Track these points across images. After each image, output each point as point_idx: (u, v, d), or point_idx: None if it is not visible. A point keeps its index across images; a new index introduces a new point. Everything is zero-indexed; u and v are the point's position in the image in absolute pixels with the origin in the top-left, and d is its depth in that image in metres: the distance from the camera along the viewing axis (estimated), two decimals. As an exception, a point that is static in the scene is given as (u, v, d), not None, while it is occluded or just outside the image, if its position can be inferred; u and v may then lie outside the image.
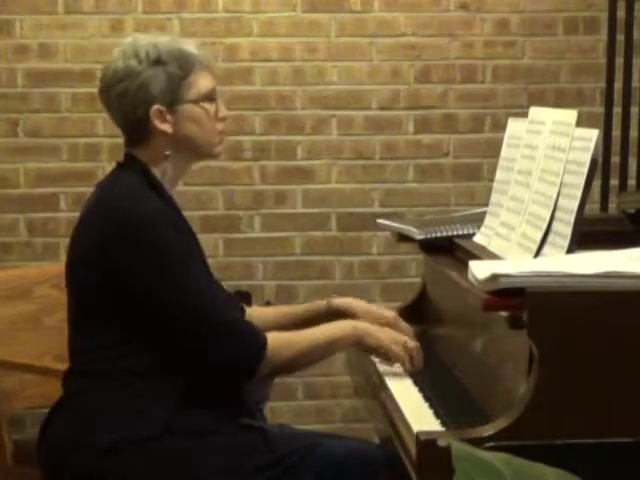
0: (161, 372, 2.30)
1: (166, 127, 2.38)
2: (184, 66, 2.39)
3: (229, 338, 2.31)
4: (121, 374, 2.30)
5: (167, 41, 2.42)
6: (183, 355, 2.31)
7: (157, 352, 2.30)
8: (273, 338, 2.36)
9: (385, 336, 2.50)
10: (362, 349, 2.55)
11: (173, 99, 2.38)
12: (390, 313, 2.67)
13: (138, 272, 2.29)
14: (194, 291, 2.31)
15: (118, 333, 2.31)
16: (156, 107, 2.37)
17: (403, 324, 2.63)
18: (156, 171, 2.41)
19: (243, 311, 2.61)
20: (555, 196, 2.31)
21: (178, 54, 2.39)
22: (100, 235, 2.32)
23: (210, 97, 2.42)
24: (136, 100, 2.37)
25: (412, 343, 2.52)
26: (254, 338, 2.34)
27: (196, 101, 2.40)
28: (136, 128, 2.39)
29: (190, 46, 2.43)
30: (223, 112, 2.46)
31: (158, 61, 2.37)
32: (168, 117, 2.38)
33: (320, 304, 2.69)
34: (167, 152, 2.40)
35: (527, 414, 1.99)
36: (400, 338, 2.51)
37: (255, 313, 2.68)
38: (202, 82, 2.41)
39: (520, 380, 2.08)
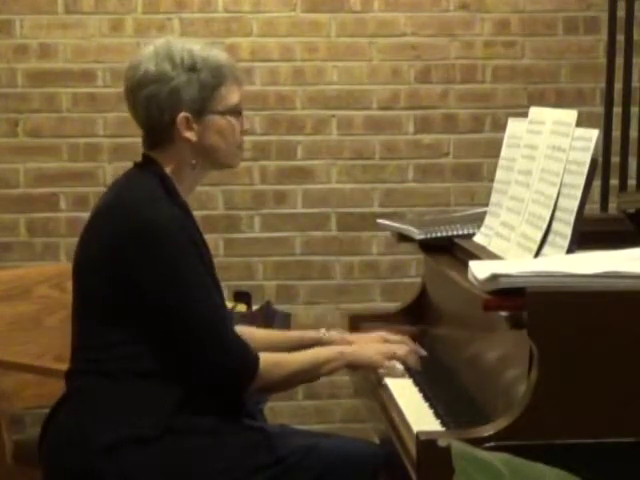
0: (163, 373, 2.30)
1: (190, 135, 2.37)
2: (217, 76, 2.38)
3: (224, 352, 2.32)
4: (123, 374, 2.30)
5: (201, 48, 2.40)
6: (185, 359, 2.31)
7: (160, 354, 2.30)
8: (265, 358, 2.38)
9: (373, 354, 2.54)
10: (353, 370, 2.63)
11: (202, 108, 2.37)
12: (379, 334, 2.70)
13: (147, 276, 2.28)
14: (199, 300, 2.31)
15: (123, 334, 2.31)
16: (183, 114, 2.36)
17: (394, 338, 2.67)
18: (173, 176, 2.40)
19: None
20: (555, 196, 2.31)
21: (212, 63, 2.38)
22: (112, 237, 2.31)
23: (237, 111, 2.43)
24: (165, 104, 2.35)
25: (401, 350, 2.54)
26: (247, 356, 2.35)
27: (223, 113, 2.40)
28: (159, 131, 2.38)
29: (223, 57, 2.42)
30: (246, 124, 2.47)
31: (193, 68, 2.36)
32: (194, 125, 2.37)
33: (311, 335, 2.71)
34: (192, 162, 2.39)
35: (527, 414, 1.99)
36: (388, 351, 2.54)
37: (245, 333, 2.68)
38: (232, 95, 2.41)
39: (520, 380, 2.08)
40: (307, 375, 2.49)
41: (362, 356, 2.54)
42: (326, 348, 2.56)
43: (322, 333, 2.69)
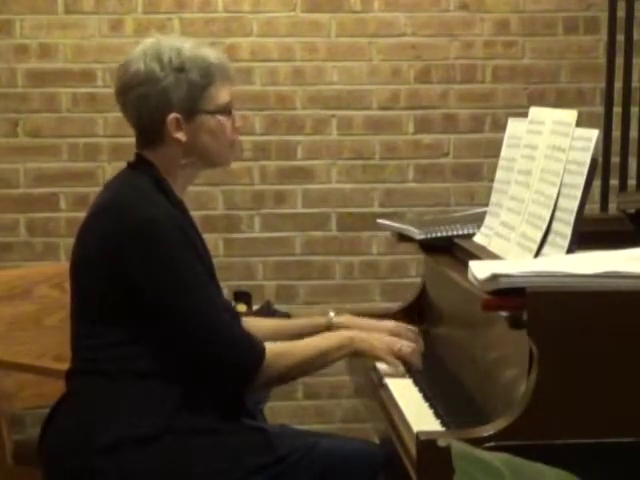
0: (162, 373, 2.30)
1: (180, 135, 2.36)
2: (206, 76, 2.36)
3: (229, 347, 2.32)
4: (122, 374, 2.30)
5: (191, 47, 2.38)
6: (184, 358, 2.31)
7: (159, 354, 2.30)
8: (271, 349, 2.37)
9: (380, 345, 2.52)
10: (359, 357, 2.60)
11: (191, 108, 2.36)
12: (390, 323, 2.69)
13: (145, 275, 2.28)
14: (198, 297, 2.31)
15: (122, 334, 2.31)
16: (173, 115, 2.35)
17: (404, 330, 2.65)
18: (166, 175, 2.39)
19: (239, 320, 2.59)
20: (555, 196, 2.31)
21: (201, 63, 2.36)
22: (108, 236, 2.31)
23: (227, 110, 2.41)
24: (154, 105, 2.34)
25: (407, 348, 2.53)
26: (253, 348, 2.35)
27: (213, 112, 2.38)
28: (150, 131, 2.38)
29: (213, 55, 2.39)
30: (238, 122, 2.46)
31: (181, 68, 2.34)
32: (184, 126, 2.36)
33: (319, 321, 2.70)
34: (183, 162, 2.39)
35: (527, 414, 1.99)
36: (394, 345, 2.53)
37: (252, 324, 2.67)
38: (221, 94, 2.39)
39: (520, 380, 2.08)
40: (316, 363, 2.45)
41: (371, 346, 2.51)
42: (336, 334, 2.54)
43: (330, 317, 2.68)
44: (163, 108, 2.35)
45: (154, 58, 2.35)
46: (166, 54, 2.35)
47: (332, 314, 2.70)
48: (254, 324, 2.68)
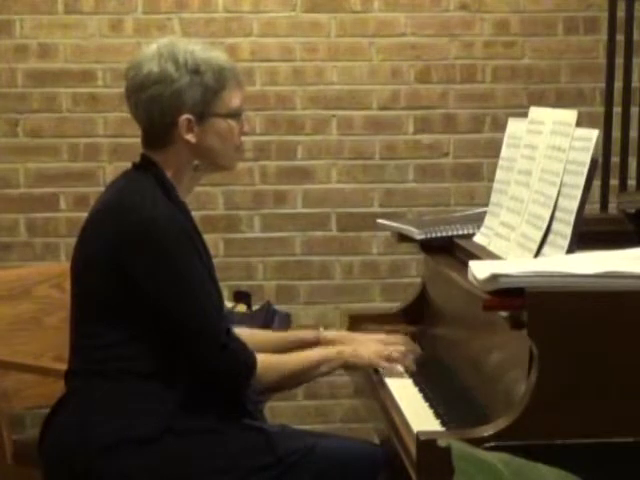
0: (162, 373, 2.31)
1: (190, 137, 2.37)
2: (220, 79, 2.37)
3: (221, 352, 2.33)
4: (122, 375, 2.30)
5: (204, 50, 2.39)
6: (184, 359, 2.31)
7: (159, 354, 2.31)
8: (262, 359, 2.39)
9: (369, 354, 2.54)
10: (350, 370, 2.63)
11: (204, 111, 2.36)
12: (379, 336, 2.73)
13: (146, 276, 2.28)
14: (198, 297, 2.32)
15: (122, 334, 2.31)
16: (185, 116, 2.35)
17: (393, 339, 2.70)
18: (171, 177, 2.40)
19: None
20: (555, 196, 2.31)
21: (216, 66, 2.37)
22: (111, 237, 2.31)
23: (237, 114, 2.42)
24: (167, 106, 2.35)
25: (396, 353, 2.55)
26: (245, 356, 2.36)
27: (224, 116, 2.39)
28: (159, 132, 2.38)
29: (225, 59, 2.41)
30: (246, 127, 2.47)
31: (196, 71, 2.35)
32: (195, 127, 2.37)
33: (309, 336, 2.71)
34: (188, 163, 2.39)
35: (527, 414, 1.99)
36: (383, 351, 2.54)
37: (246, 334, 2.68)
38: (233, 99, 2.40)
39: (520, 380, 2.08)
40: (305, 375, 2.50)
41: (360, 356, 2.54)
42: (324, 348, 2.56)
43: (320, 332, 2.70)
44: (175, 109, 2.35)
45: (169, 59, 2.35)
46: (182, 55, 2.36)
47: (321, 329, 2.74)
48: (248, 336, 2.68)
